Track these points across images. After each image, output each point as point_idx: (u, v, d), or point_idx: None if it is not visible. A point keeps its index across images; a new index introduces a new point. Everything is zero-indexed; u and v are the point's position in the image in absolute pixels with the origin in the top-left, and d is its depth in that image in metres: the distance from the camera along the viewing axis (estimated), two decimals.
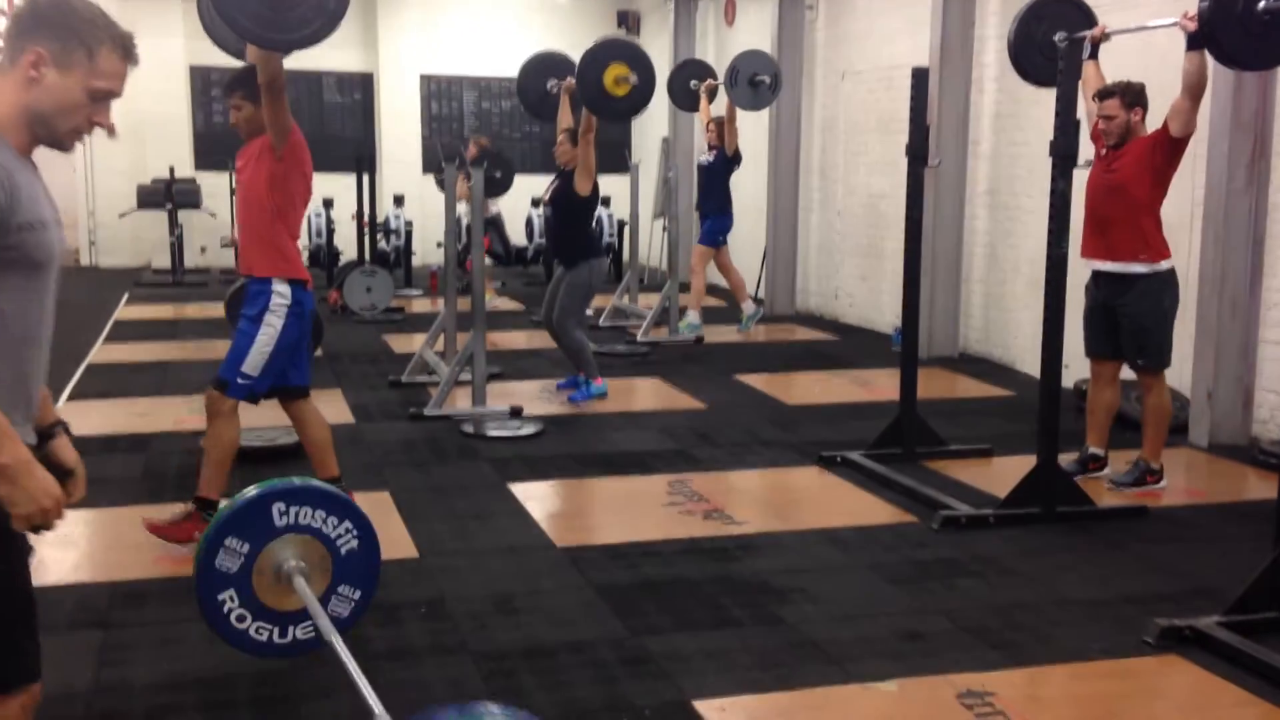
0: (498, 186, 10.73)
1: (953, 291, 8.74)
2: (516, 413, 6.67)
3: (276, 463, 5.38)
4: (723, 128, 9.49)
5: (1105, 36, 5.07)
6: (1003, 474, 5.27)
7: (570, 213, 7.06)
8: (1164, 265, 5.12)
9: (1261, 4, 4.16)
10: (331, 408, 6.35)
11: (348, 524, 3.10)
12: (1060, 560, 4.42)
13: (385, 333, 9.63)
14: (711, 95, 9.62)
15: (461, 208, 10.69)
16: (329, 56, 14.63)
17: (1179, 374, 6.37)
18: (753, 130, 11.47)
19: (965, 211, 8.69)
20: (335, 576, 3.10)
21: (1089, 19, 5.20)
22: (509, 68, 14.91)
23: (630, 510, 5.13)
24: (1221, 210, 5.92)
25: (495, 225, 11.12)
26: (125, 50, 2.10)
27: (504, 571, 4.26)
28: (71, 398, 7.12)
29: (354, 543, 3.11)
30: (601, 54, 7.00)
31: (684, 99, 9.87)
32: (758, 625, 3.79)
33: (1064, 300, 4.81)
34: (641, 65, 7.02)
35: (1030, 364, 7.54)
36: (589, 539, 4.71)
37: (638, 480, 5.52)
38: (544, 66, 8.15)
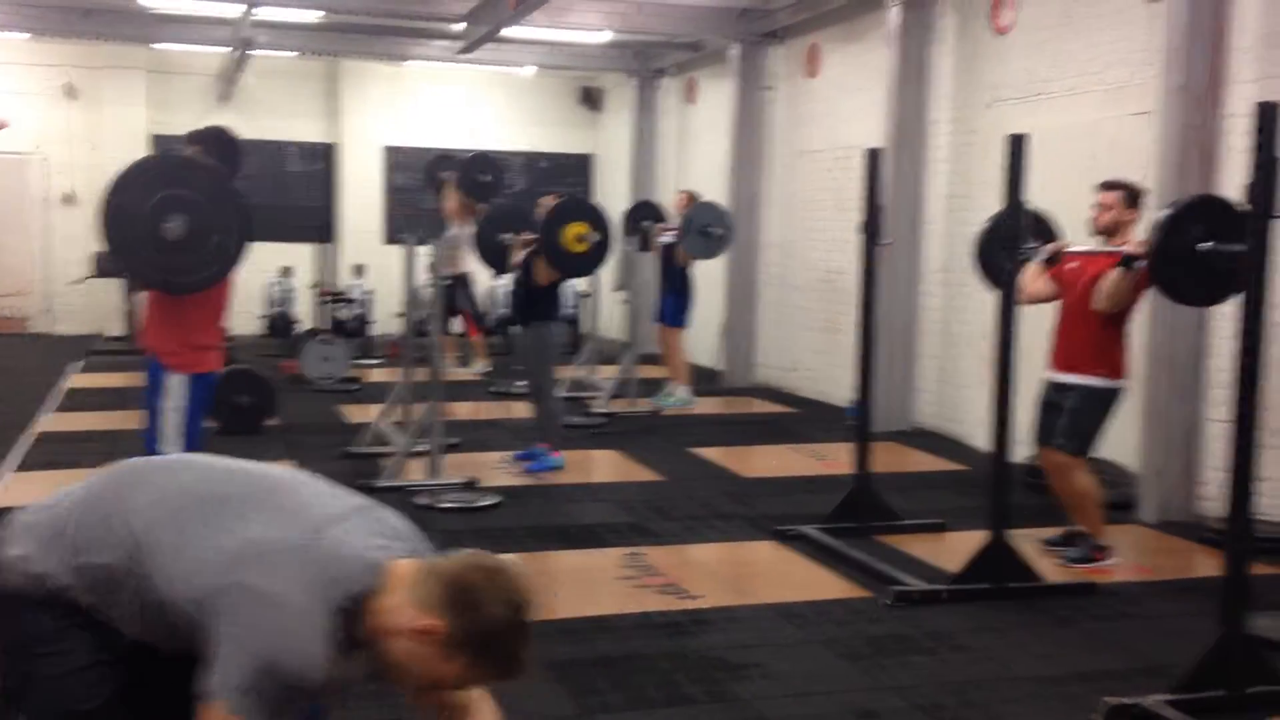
0: (487, 191, 10.81)
1: (907, 366, 8.85)
2: (472, 484, 6.64)
3: None
4: (690, 201, 9.66)
5: (1062, 252, 5.30)
6: (955, 549, 5.30)
7: (534, 282, 7.20)
8: (1120, 384, 5.25)
9: (1204, 245, 4.19)
10: None
11: None
12: (1011, 637, 4.44)
13: (341, 403, 9.58)
14: (661, 233, 9.86)
15: (452, 229, 10.81)
16: (292, 127, 14.78)
17: (1129, 452, 6.47)
18: None
19: (919, 288, 8.83)
20: None
21: (1046, 229, 5.41)
22: (474, 139, 15.23)
23: (584, 584, 5.10)
24: None
25: (465, 284, 11.11)
26: None
27: None
28: (21, 468, 7.00)
29: None
30: (563, 212, 7.16)
31: (636, 241, 10.01)
32: (712, 703, 3.77)
33: (1012, 379, 4.88)
34: (602, 225, 7.18)
35: (983, 438, 7.62)
36: (541, 614, 4.66)
37: (593, 553, 5.50)
38: (501, 218, 8.45)
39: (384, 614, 2.05)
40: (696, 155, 13.03)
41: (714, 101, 12.37)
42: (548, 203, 7.94)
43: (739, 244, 11.06)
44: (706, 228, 9.40)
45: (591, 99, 15.74)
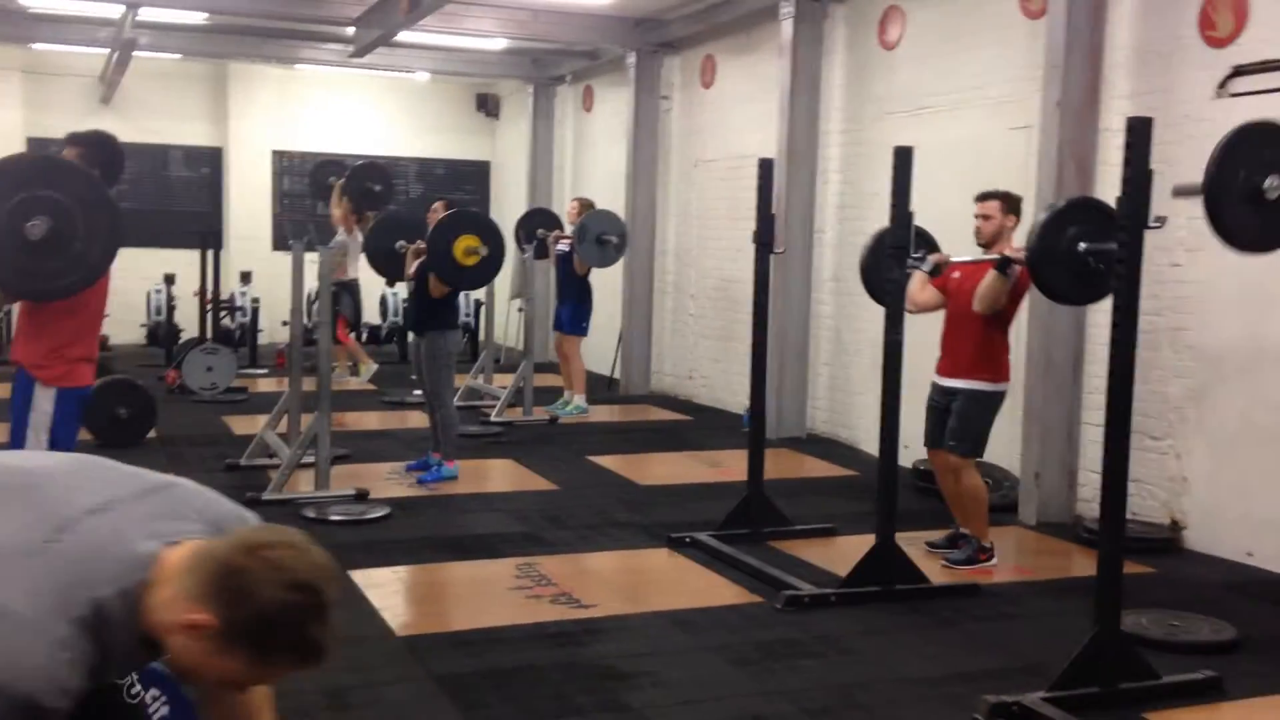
0: (377, 200, 10.61)
1: (800, 374, 8.96)
2: (362, 496, 6.52)
3: None
4: (584, 208, 9.64)
5: (945, 263, 5.43)
6: (845, 553, 5.38)
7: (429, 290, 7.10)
8: (1002, 386, 5.40)
9: (1083, 245, 4.30)
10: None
11: (154, 691, 2.71)
12: (897, 638, 4.52)
13: (226, 414, 9.33)
14: (556, 241, 9.82)
15: (340, 236, 10.59)
16: (177, 130, 14.37)
17: (1010, 455, 6.65)
18: None
19: (812, 296, 8.96)
20: None
21: (929, 242, 5.53)
22: (367, 145, 15.01)
23: (476, 596, 5.04)
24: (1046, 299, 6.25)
25: (350, 291, 10.89)
26: None
27: (338, 664, 4.07)
28: None
29: (164, 710, 2.71)
30: (453, 225, 7.02)
31: (531, 248, 9.98)
32: (602, 713, 3.75)
33: (899, 385, 4.98)
34: (493, 238, 7.05)
35: (873, 444, 7.74)
36: (431, 627, 4.60)
37: (485, 564, 5.44)
38: (394, 225, 8.20)
39: (157, 609, 1.83)
40: (593, 163, 13.03)
41: (611, 110, 12.39)
42: (439, 209, 7.84)
43: (636, 252, 11.10)
44: (601, 236, 9.41)
45: (488, 106, 15.63)
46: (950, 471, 5.54)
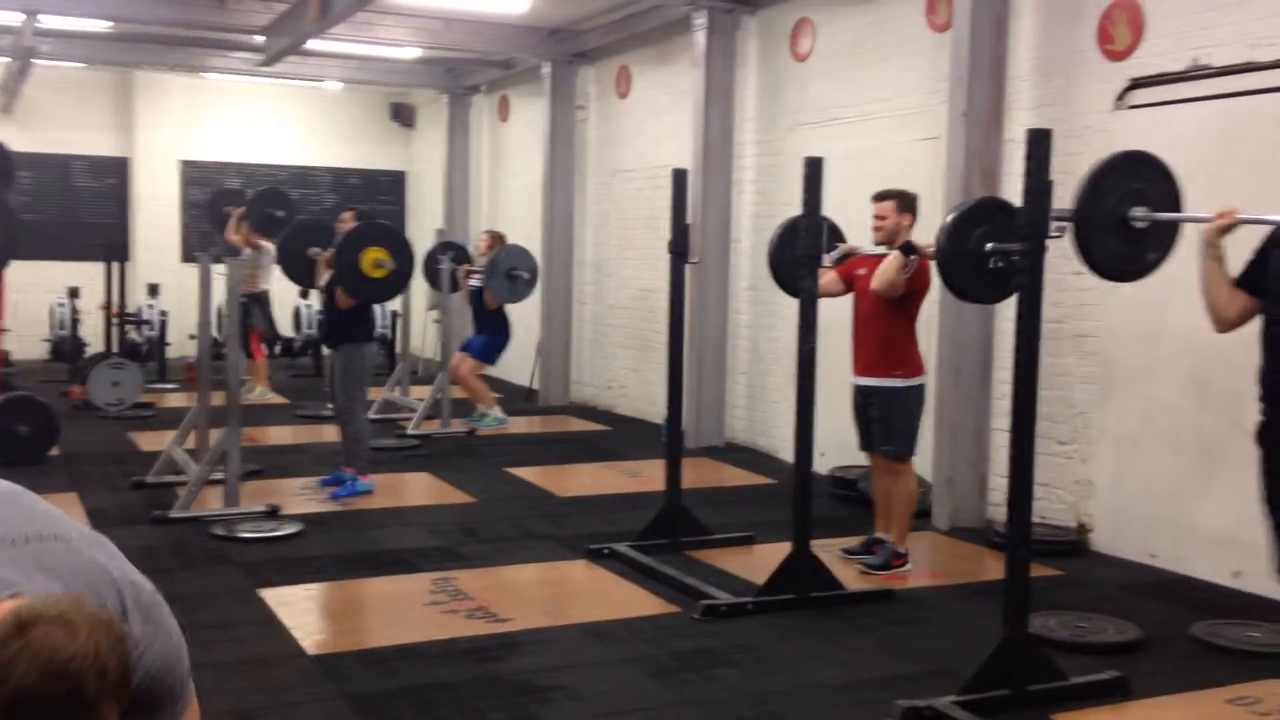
0: (277, 225, 10.41)
1: (718, 383, 9.01)
2: (273, 512, 6.39)
3: None
4: (495, 244, 9.52)
5: (851, 254, 5.52)
6: (763, 561, 5.40)
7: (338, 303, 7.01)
8: (915, 381, 5.48)
9: (989, 246, 4.37)
10: (65, 513, 5.89)
11: None
12: (813, 645, 4.55)
13: (133, 430, 9.09)
14: (467, 275, 9.72)
15: (247, 251, 10.36)
16: (81, 140, 13.98)
17: (922, 461, 6.75)
18: (526, 224, 11.62)
19: (729, 306, 9.01)
20: None
21: (838, 235, 5.60)
22: (279, 155, 14.75)
23: (390, 612, 4.96)
24: (956, 305, 6.35)
25: (261, 303, 10.67)
26: None
27: (248, 685, 4.02)
28: None
29: None
30: (361, 237, 6.92)
31: (439, 278, 9.83)
32: None
33: (814, 394, 5.02)
34: (401, 251, 6.96)
35: (791, 452, 7.82)
36: (344, 645, 4.51)
37: (400, 580, 5.36)
38: (305, 233, 8.19)
39: None
40: (510, 173, 12.97)
41: (527, 120, 12.35)
42: (349, 219, 7.73)
43: (554, 263, 11.08)
44: (511, 271, 9.29)
45: (402, 115, 15.47)
46: (890, 473, 5.64)
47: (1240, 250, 3.77)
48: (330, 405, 8.96)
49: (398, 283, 7.08)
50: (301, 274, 8.14)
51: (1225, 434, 5.32)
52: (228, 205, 11.20)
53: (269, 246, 9.99)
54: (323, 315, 7.45)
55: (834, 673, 4.25)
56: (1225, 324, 3.73)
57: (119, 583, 1.91)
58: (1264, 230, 3.73)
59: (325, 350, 7.39)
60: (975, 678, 3.81)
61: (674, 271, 5.88)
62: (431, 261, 9.90)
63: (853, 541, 5.79)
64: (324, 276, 7.32)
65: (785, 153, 8.38)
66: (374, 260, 6.80)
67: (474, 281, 9.65)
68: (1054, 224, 3.85)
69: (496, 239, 9.71)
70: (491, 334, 9.62)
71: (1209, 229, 3.63)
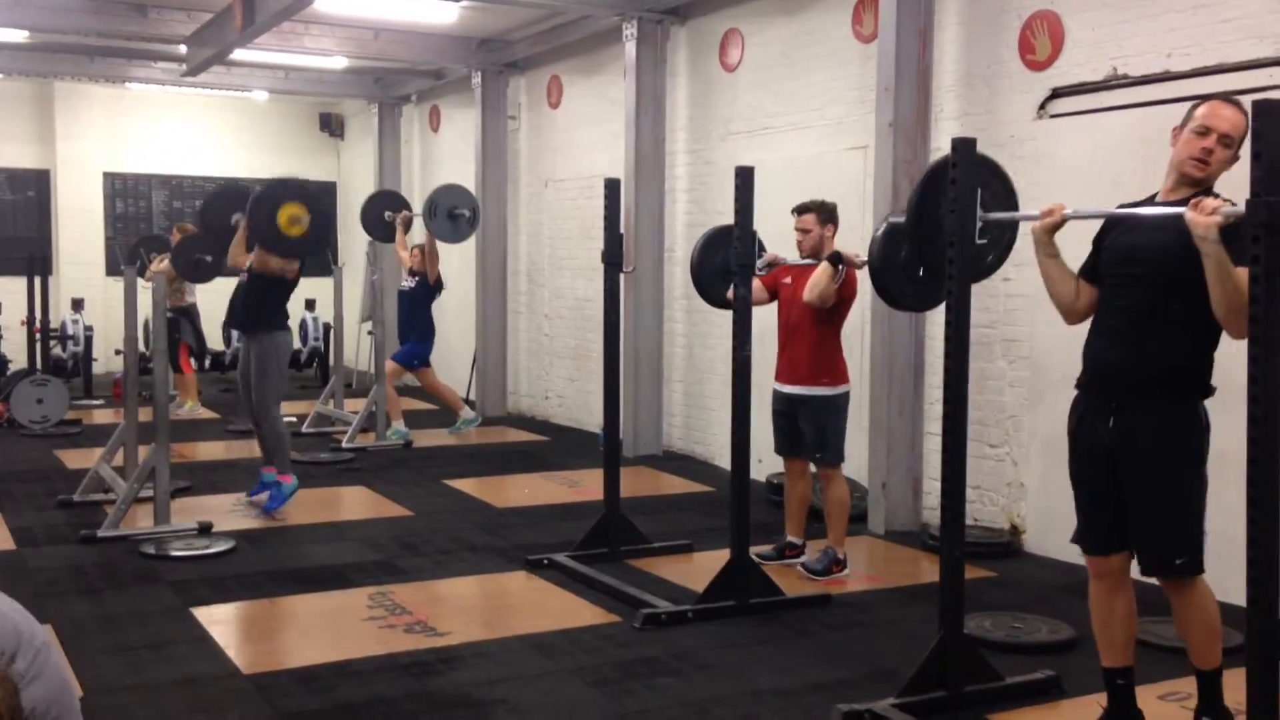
0: (207, 271, 10.19)
1: (655, 391, 9.03)
2: (205, 529, 6.27)
3: None
4: (424, 255, 9.45)
5: (776, 263, 5.59)
6: (702, 568, 5.42)
7: (263, 282, 6.87)
8: (843, 389, 5.55)
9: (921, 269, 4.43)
10: None
11: None
12: (753, 651, 4.57)
13: (58, 447, 8.87)
14: (407, 226, 9.61)
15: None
16: None
17: (858, 466, 6.83)
18: None
19: (664, 314, 9.04)
20: None
21: (760, 245, 5.58)
22: (206, 166, 14.50)
23: (326, 629, 4.89)
24: (887, 312, 6.44)
25: (189, 317, 10.44)
26: None
27: (180, 706, 3.94)
28: None
29: None
30: (273, 195, 6.81)
31: (379, 230, 9.79)
32: None
33: (750, 400, 5.05)
34: (314, 206, 6.91)
35: (728, 459, 7.87)
36: (280, 663, 4.44)
37: (336, 595, 5.29)
38: (227, 200, 8.05)
39: None
40: (442, 183, 12.83)
41: (458, 130, 12.28)
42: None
43: (488, 273, 11.04)
44: (453, 210, 9.22)
45: (331, 125, 15.30)
46: (800, 478, 5.71)
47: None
48: (230, 427, 8.76)
49: (315, 237, 6.96)
50: (196, 274, 8.03)
51: None
52: (152, 251, 10.71)
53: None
54: (236, 299, 7.23)
55: (775, 678, 4.27)
56: (1075, 315, 3.73)
57: (11, 629, 1.85)
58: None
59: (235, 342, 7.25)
60: (912, 680, 3.85)
61: (608, 281, 5.89)
62: (371, 210, 9.81)
63: (766, 547, 5.80)
64: (240, 254, 7.18)
65: (717, 162, 8.44)
66: (290, 216, 6.69)
67: (404, 284, 9.59)
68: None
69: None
70: (419, 340, 9.56)
71: (1038, 227, 3.65)
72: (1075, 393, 3.69)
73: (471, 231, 9.45)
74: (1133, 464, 3.44)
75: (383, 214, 9.74)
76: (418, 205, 13.07)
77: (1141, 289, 3.43)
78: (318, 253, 7.44)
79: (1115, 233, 3.60)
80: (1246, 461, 2.89)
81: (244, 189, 8.15)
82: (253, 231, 6.81)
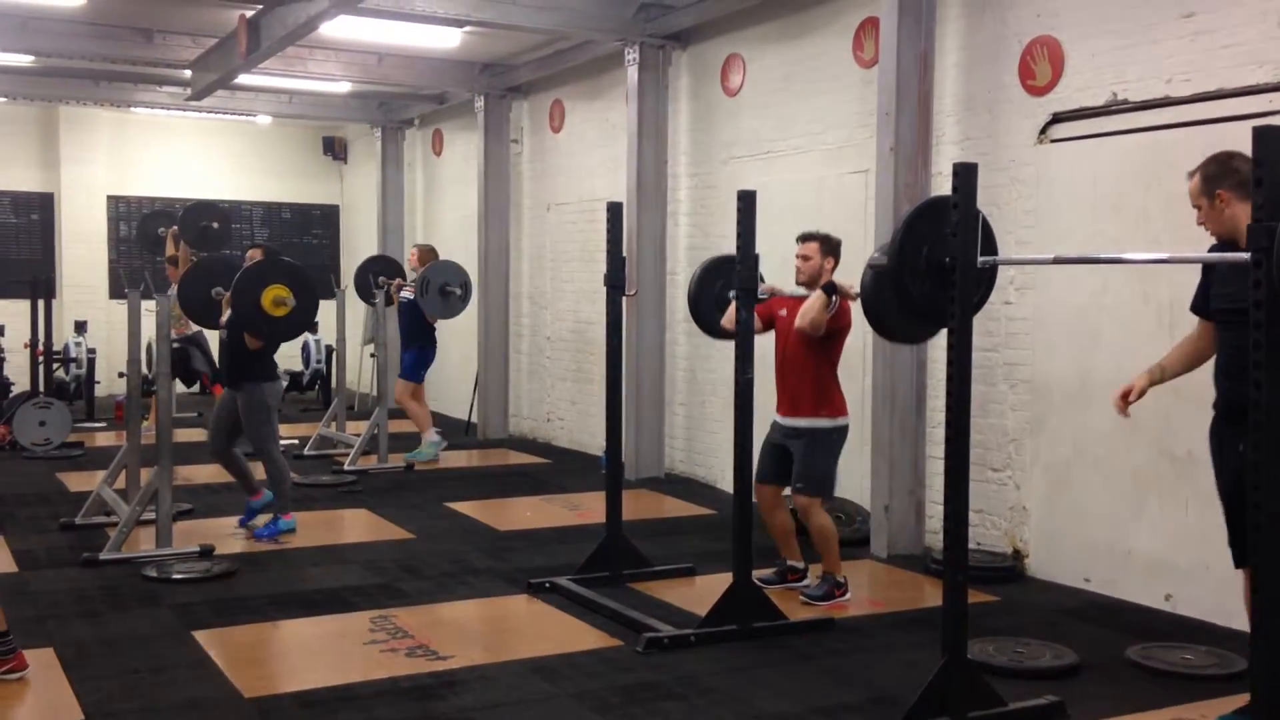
0: (213, 237, 10.24)
1: (657, 414, 9.03)
2: (207, 552, 6.27)
3: None
4: (426, 258, 9.54)
5: (773, 292, 5.56)
6: (705, 592, 5.41)
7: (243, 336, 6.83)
8: (841, 422, 5.53)
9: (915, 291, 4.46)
10: None
11: None
12: (756, 676, 4.55)
13: (61, 470, 8.87)
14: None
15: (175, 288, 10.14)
16: (3, 175, 13.70)
17: (860, 490, 6.82)
18: (462, 257, 11.57)
19: (666, 337, 9.06)
20: None
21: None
22: (210, 189, 14.56)
23: (328, 652, 4.88)
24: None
25: (197, 344, 10.49)
26: None
27: None
28: None
29: None
30: (260, 274, 6.71)
31: (370, 295, 9.89)
32: None
33: (752, 424, 5.05)
34: (303, 288, 6.76)
35: (730, 483, 7.86)
36: (281, 687, 4.43)
37: (338, 619, 5.28)
38: (207, 273, 7.70)
39: None
40: (445, 206, 12.94)
41: (461, 153, 12.34)
42: (255, 255, 7.62)
43: (490, 296, 11.06)
44: (445, 287, 9.30)
45: (335, 149, 15.37)
46: (775, 508, 5.66)
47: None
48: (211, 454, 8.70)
49: (301, 320, 6.87)
50: (204, 315, 7.72)
51: (1155, 461, 5.45)
52: (160, 227, 11.00)
53: None
54: (222, 354, 7.20)
55: (777, 703, 4.26)
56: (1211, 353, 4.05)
57: None
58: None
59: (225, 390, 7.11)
60: (916, 705, 3.83)
61: (610, 304, 5.90)
62: (363, 277, 9.91)
63: (768, 571, 5.78)
64: (228, 313, 7.15)
65: (719, 185, 8.47)
66: (275, 298, 6.61)
67: (406, 294, 9.64)
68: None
69: (427, 252, 9.79)
70: (420, 350, 9.59)
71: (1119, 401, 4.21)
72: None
73: (463, 308, 9.53)
74: None
75: (377, 279, 9.82)
76: (421, 231, 13.19)
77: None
78: (295, 336, 7.28)
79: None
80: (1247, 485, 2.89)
81: (227, 261, 7.89)
82: (235, 311, 6.74)
